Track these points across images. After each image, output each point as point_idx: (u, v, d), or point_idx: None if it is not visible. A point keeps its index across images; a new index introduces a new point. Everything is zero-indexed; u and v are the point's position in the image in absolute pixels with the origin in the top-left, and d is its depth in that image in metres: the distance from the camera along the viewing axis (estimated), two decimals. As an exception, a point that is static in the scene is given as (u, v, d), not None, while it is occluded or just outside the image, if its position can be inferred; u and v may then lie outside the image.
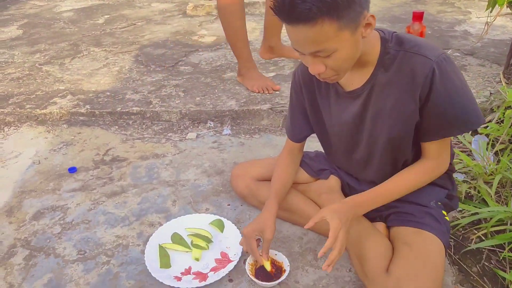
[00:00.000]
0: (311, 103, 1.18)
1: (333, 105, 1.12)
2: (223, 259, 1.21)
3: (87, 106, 2.12)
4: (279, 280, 1.08)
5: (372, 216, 1.21)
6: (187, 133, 1.95)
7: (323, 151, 1.44)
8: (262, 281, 1.10)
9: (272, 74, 2.36)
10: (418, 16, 1.97)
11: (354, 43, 0.89)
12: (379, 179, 1.13)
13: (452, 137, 1.03)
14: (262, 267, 1.14)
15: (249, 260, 1.15)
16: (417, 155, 1.08)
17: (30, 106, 2.15)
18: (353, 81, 1.05)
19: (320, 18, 0.82)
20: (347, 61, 0.92)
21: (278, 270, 1.14)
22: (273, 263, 1.15)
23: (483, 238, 1.23)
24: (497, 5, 1.83)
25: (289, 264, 1.13)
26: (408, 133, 1.02)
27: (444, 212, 1.12)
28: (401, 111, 0.99)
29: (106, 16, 3.94)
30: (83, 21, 3.81)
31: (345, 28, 0.85)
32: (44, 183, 1.62)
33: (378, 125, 1.04)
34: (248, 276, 1.11)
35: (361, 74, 1.02)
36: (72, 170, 1.68)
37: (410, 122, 1.00)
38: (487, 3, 1.89)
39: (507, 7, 1.88)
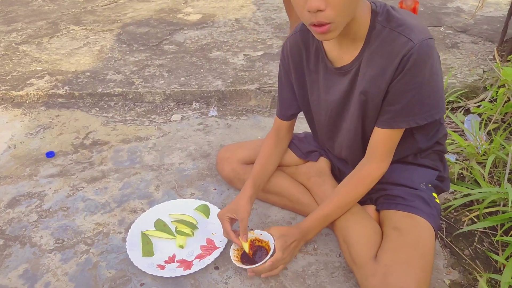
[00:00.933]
0: (298, 78, 1.13)
1: (321, 81, 1.07)
2: (209, 246, 1.16)
3: (66, 87, 2.02)
4: (264, 261, 1.02)
5: (362, 199, 1.17)
6: (172, 115, 1.87)
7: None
8: (247, 264, 1.05)
9: (260, 53, 2.28)
10: (411, -9, 1.89)
11: None
12: (353, 161, 1.11)
13: (399, 136, 1.01)
14: (250, 248, 1.09)
15: (234, 246, 1.10)
16: None
17: (6, 87, 2.05)
18: (343, 56, 0.99)
19: None
20: (347, 6, 0.83)
21: (264, 250, 1.09)
22: (260, 243, 1.10)
23: (476, 220, 1.20)
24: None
25: (274, 242, 1.05)
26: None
27: (435, 195, 1.08)
28: (375, 91, 0.95)
29: (86, -7, 3.77)
30: (62, -1, 3.64)
31: None
32: (20, 169, 1.54)
33: (364, 106, 0.99)
34: (233, 262, 1.06)
35: (352, 49, 0.97)
36: (50, 154, 1.60)
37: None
38: (481, -23, 1.83)
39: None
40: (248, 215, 1.09)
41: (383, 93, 0.95)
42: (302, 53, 1.08)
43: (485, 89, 1.75)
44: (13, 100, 2.02)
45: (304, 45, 1.07)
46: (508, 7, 1.97)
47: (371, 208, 1.13)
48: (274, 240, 1.05)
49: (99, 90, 1.99)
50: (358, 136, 1.06)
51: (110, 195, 1.39)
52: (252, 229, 1.13)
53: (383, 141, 1.00)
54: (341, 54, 0.99)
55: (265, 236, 1.09)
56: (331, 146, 1.20)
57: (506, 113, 1.59)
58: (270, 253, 1.03)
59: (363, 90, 0.97)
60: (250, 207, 1.11)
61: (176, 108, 1.92)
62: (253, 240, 1.10)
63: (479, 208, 1.18)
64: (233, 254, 1.08)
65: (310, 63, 1.08)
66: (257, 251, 1.09)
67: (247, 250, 1.07)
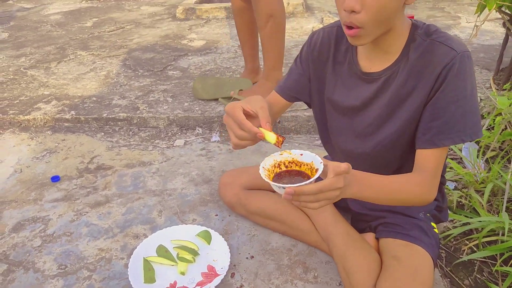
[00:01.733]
0: (318, 71, 1.10)
1: (342, 82, 1.05)
2: (210, 273, 1.17)
3: (72, 112, 2.07)
4: (312, 180, 0.77)
5: (362, 227, 1.19)
6: (175, 140, 1.90)
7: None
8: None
9: (262, 79, 2.33)
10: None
11: None
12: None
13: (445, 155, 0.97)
14: (283, 173, 0.84)
15: (264, 164, 0.84)
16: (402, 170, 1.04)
17: (13, 112, 2.10)
18: (373, 65, 0.99)
19: None
20: (384, 9, 0.83)
21: (304, 177, 0.83)
22: (298, 167, 0.85)
23: (475, 249, 1.21)
24: (486, 9, 1.83)
25: (321, 161, 0.79)
26: (410, 132, 0.98)
27: (434, 224, 1.10)
28: (413, 104, 0.94)
29: (94, 19, 3.88)
30: (70, 24, 3.75)
31: None
32: (25, 193, 1.56)
33: (386, 115, 0.99)
34: (264, 179, 0.79)
35: (383, 59, 0.97)
36: (55, 179, 1.62)
37: (415, 117, 0.95)
38: (476, 7, 1.88)
39: (496, 11, 1.88)
40: (266, 105, 0.89)
41: (422, 105, 0.93)
42: (330, 48, 1.07)
43: (482, 117, 1.78)
44: (21, 124, 2.06)
45: (335, 41, 1.06)
46: (504, 35, 2.02)
47: (370, 236, 1.14)
48: (320, 159, 0.80)
49: (105, 115, 2.03)
50: (375, 145, 1.03)
51: (113, 220, 1.41)
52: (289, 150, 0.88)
53: (428, 161, 0.94)
54: (370, 63, 0.99)
55: (307, 156, 0.83)
56: (338, 147, 1.16)
57: (503, 141, 1.61)
58: (317, 174, 0.78)
59: (400, 103, 0.95)
60: (266, 104, 0.91)
61: (179, 133, 1.96)
62: (290, 162, 0.86)
63: (478, 237, 1.19)
64: (264, 174, 0.82)
65: (335, 61, 1.06)
66: (293, 178, 0.84)
67: (272, 141, 0.83)
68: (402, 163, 1.06)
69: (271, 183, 0.79)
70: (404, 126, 0.97)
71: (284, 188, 0.76)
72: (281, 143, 0.84)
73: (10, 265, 1.23)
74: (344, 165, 0.77)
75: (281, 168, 0.85)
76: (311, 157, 0.82)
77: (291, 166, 0.85)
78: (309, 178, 0.81)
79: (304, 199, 0.77)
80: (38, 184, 1.61)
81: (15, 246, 1.31)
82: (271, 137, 0.82)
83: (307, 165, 0.83)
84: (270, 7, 1.81)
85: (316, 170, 0.80)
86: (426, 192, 0.95)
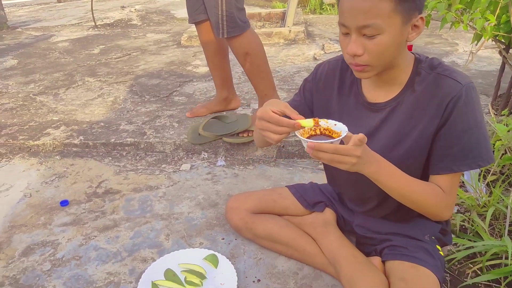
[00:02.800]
0: (323, 101, 1.15)
1: (348, 113, 1.10)
2: (217, 297, 1.18)
3: (81, 137, 2.11)
4: (332, 140, 0.90)
5: (367, 250, 1.21)
6: (181, 164, 1.94)
7: (317, 183, 1.44)
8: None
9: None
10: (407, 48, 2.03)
11: (399, 36, 0.90)
12: (376, 207, 1.10)
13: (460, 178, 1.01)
14: (316, 136, 0.96)
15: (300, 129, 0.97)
16: None
17: (23, 137, 2.15)
18: (378, 96, 1.05)
19: None
20: (386, 52, 0.90)
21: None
22: (329, 134, 0.96)
23: (479, 272, 1.22)
24: (482, 38, 1.90)
25: (347, 131, 0.93)
26: (419, 159, 1.02)
27: (439, 247, 1.12)
28: (421, 133, 0.99)
29: (101, 47, 3.99)
30: (78, 51, 3.86)
31: (399, 14, 0.87)
32: (35, 217, 1.59)
33: (392, 145, 1.03)
34: (296, 134, 0.93)
35: (388, 91, 1.03)
36: (64, 203, 1.65)
37: (425, 146, 1.00)
38: (473, 35, 1.96)
39: (492, 40, 1.95)
40: (288, 104, 1.00)
41: (431, 136, 0.97)
42: (335, 81, 1.12)
43: (482, 141, 1.82)
44: (30, 149, 2.11)
45: (340, 74, 1.12)
46: (501, 61, 2.09)
47: (376, 260, 1.16)
48: (346, 129, 0.93)
49: (112, 140, 2.08)
50: None
51: (122, 244, 1.43)
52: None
53: (444, 184, 0.99)
54: (376, 94, 1.05)
55: (339, 127, 0.96)
56: (341, 176, 1.18)
57: (504, 165, 1.64)
58: (339, 138, 0.91)
59: (408, 133, 1.00)
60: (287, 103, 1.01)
61: (185, 158, 2.00)
62: (325, 129, 0.98)
63: (482, 261, 1.21)
64: (299, 133, 0.95)
65: (341, 93, 1.12)
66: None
67: (310, 124, 0.94)
68: None
69: (299, 136, 0.92)
70: (411, 155, 1.01)
71: (307, 142, 0.89)
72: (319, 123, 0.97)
73: (20, 289, 1.25)
74: (360, 135, 0.86)
75: (316, 132, 0.98)
76: (341, 128, 0.95)
77: (325, 133, 0.97)
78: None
79: (321, 155, 0.87)
80: (47, 208, 1.64)
81: (25, 270, 1.32)
82: (308, 122, 0.94)
83: (337, 134, 0.95)
84: (244, 46, 1.88)
85: (340, 134, 0.93)
86: (444, 207, 1.01)
